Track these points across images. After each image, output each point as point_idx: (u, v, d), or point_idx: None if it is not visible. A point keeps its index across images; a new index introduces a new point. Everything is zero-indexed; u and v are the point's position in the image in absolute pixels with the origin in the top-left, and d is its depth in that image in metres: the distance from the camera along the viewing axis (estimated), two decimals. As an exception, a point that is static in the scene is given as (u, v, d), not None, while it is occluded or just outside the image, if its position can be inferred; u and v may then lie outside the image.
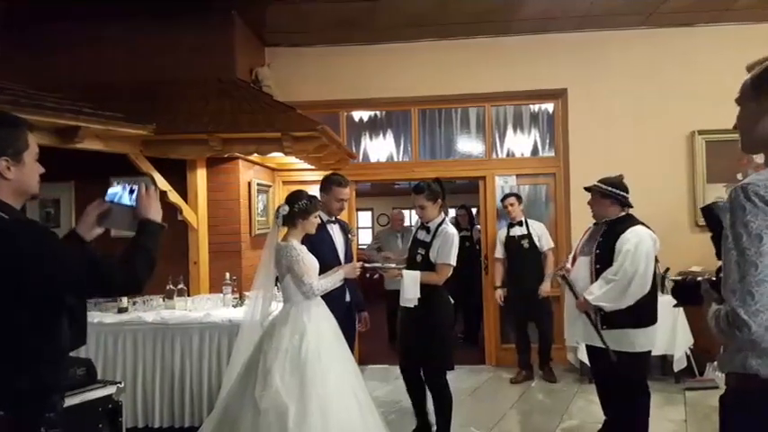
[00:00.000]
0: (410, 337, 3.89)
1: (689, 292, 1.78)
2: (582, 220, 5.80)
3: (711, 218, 1.64)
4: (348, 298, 4.09)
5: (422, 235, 3.96)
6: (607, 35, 6.02)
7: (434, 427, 4.02)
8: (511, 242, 5.80)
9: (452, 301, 4.01)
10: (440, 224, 3.90)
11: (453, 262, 3.83)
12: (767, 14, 5.72)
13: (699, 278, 1.74)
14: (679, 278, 1.87)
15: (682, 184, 5.96)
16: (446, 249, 3.80)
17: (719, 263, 1.53)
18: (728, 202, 1.46)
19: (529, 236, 5.74)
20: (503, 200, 5.93)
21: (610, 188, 3.64)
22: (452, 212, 8.50)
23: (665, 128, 5.91)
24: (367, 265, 3.93)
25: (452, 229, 3.91)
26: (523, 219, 5.83)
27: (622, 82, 5.98)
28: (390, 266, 3.85)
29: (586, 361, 5.34)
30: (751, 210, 1.40)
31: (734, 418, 1.55)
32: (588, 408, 4.89)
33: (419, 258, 3.88)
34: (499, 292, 5.88)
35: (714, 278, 1.61)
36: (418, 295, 3.71)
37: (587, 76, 6.05)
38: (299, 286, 3.38)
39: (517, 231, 5.79)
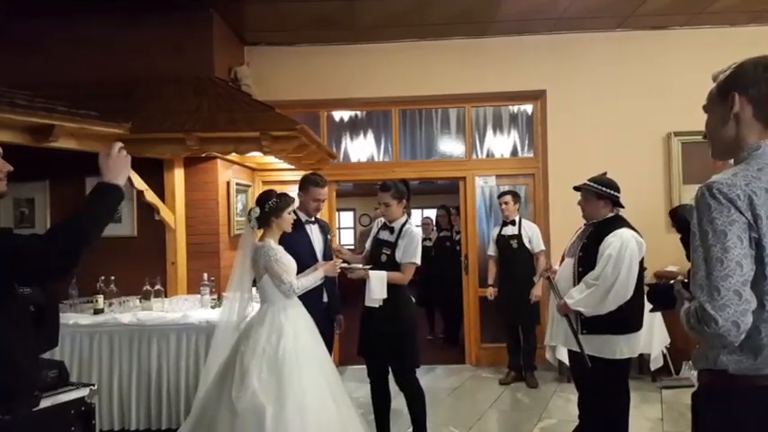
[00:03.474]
0: (377, 339, 3.83)
1: (663, 296, 1.79)
2: (561, 220, 5.88)
3: (679, 220, 1.67)
4: (325, 299, 4.06)
5: (385, 235, 3.94)
6: (585, 37, 6.08)
7: (410, 429, 4.01)
8: (501, 241, 5.70)
9: (414, 300, 4.00)
10: (403, 224, 3.89)
11: (418, 261, 3.86)
12: (740, 17, 5.83)
13: (671, 281, 1.75)
14: (653, 282, 1.88)
15: (658, 184, 6.04)
16: (411, 249, 3.81)
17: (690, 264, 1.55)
18: (695, 201, 1.49)
19: (519, 236, 5.64)
20: (499, 197, 5.79)
21: (605, 188, 3.51)
22: (432, 213, 8.55)
23: (642, 129, 5.99)
24: (345, 265, 3.88)
25: (416, 229, 3.91)
26: (517, 218, 5.71)
27: (600, 84, 6.05)
28: (357, 267, 3.80)
29: (565, 360, 5.40)
30: (716, 207, 1.42)
31: (706, 413, 1.57)
32: (566, 407, 4.93)
33: (384, 258, 3.85)
34: (491, 290, 5.75)
35: (686, 279, 1.63)
36: (385, 295, 3.71)
37: (566, 78, 6.10)
38: (278, 286, 3.35)
39: (508, 230, 5.69)
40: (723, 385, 1.50)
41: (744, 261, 1.40)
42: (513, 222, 5.71)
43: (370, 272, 3.72)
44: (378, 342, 3.84)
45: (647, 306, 1.96)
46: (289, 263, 3.42)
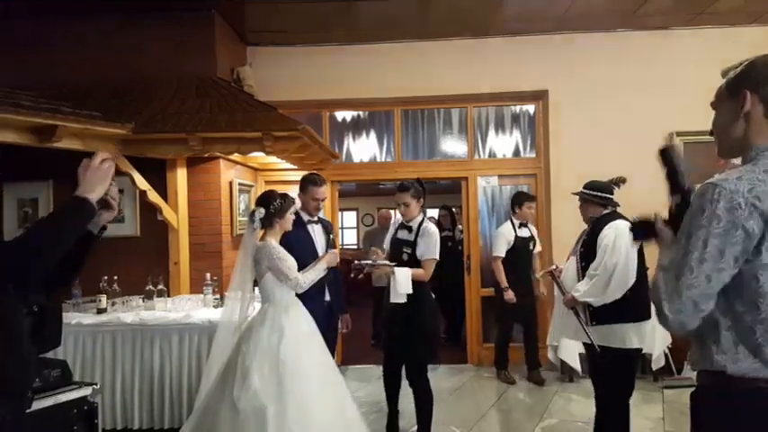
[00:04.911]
0: (399, 335, 3.94)
1: (646, 227, 1.81)
2: (563, 220, 5.88)
3: (666, 159, 1.73)
4: (327, 297, 4.06)
5: (404, 234, 4.05)
6: (587, 37, 6.08)
7: (415, 428, 4.03)
8: (518, 243, 5.74)
9: (434, 296, 4.12)
10: (421, 223, 4.01)
11: (438, 257, 3.97)
12: (741, 18, 5.82)
13: (654, 217, 1.77)
14: (636, 217, 1.89)
15: (660, 184, 5.96)
16: (431, 246, 3.94)
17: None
18: (696, 195, 1.48)
19: (533, 238, 5.79)
20: (527, 201, 5.76)
21: (589, 192, 3.71)
22: (435, 213, 8.56)
23: (644, 129, 5.96)
24: (363, 262, 4.00)
25: (433, 227, 4.02)
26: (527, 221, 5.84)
27: (602, 84, 6.04)
28: (383, 263, 3.89)
29: (567, 359, 5.43)
30: (709, 214, 1.42)
31: (704, 413, 1.57)
32: (568, 406, 4.94)
33: (405, 257, 3.96)
34: (511, 294, 5.67)
35: (667, 218, 1.72)
36: (410, 291, 3.80)
37: (567, 78, 6.10)
38: (285, 282, 3.39)
39: (525, 233, 5.76)
40: (721, 386, 1.49)
41: (714, 275, 1.42)
42: (525, 225, 5.79)
43: (396, 268, 3.82)
44: (399, 339, 3.95)
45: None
46: (291, 260, 3.45)
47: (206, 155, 4.89)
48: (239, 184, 5.53)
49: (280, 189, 3.85)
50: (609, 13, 5.68)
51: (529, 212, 5.75)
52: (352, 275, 10.76)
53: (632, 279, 3.46)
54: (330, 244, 4.25)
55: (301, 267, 3.56)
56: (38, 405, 2.78)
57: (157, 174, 5.00)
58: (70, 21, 5.12)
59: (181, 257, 5.10)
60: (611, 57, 6.05)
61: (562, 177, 5.99)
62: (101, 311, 4.40)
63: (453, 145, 6.65)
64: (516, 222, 5.75)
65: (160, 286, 4.63)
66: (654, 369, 5.44)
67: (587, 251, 3.65)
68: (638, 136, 5.97)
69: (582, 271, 3.65)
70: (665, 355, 5.43)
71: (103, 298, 4.46)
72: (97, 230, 1.95)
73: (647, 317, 3.54)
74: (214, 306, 4.55)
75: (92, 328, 4.25)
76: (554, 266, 4.02)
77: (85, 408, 3.06)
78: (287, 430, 3.00)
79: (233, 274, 3.68)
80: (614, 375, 3.54)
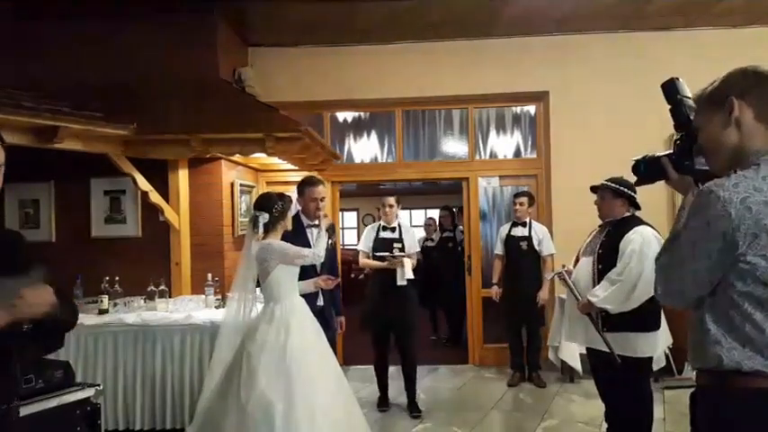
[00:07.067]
0: (399, 311, 4.76)
1: (650, 169, 1.82)
2: (564, 221, 5.89)
3: (670, 92, 1.74)
4: (321, 302, 3.98)
5: (388, 234, 4.96)
6: (588, 39, 6.08)
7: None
8: (510, 241, 5.69)
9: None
10: (399, 223, 5.02)
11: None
12: (742, 19, 5.83)
13: (657, 155, 1.80)
14: (637, 157, 1.87)
15: (661, 186, 5.98)
16: (414, 240, 5.08)
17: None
18: (697, 197, 1.50)
19: (529, 238, 5.62)
20: (515, 196, 5.79)
21: (623, 187, 3.51)
22: (436, 213, 8.56)
23: (644, 131, 5.94)
24: (385, 254, 4.78)
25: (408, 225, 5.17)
26: (528, 220, 5.70)
27: (603, 85, 6.04)
28: (400, 255, 4.78)
29: (567, 360, 5.42)
30: (701, 216, 1.45)
31: (703, 414, 1.57)
32: (569, 407, 4.95)
33: (397, 252, 4.83)
34: (496, 289, 5.74)
35: (674, 156, 1.75)
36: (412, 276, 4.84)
37: (569, 79, 6.10)
38: (304, 261, 3.48)
39: (518, 232, 5.68)
40: (721, 386, 1.50)
41: (700, 272, 1.48)
42: (523, 224, 5.70)
43: (405, 259, 4.77)
44: (392, 313, 4.74)
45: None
46: (295, 246, 3.48)
47: (207, 156, 4.90)
48: (240, 184, 5.53)
49: (281, 190, 3.84)
50: (610, 15, 5.68)
51: (519, 209, 5.67)
52: (352, 275, 10.77)
53: None
54: (331, 246, 4.23)
55: (300, 273, 3.55)
56: (41, 406, 2.79)
57: (159, 175, 5.01)
58: (71, 22, 5.10)
59: (182, 258, 5.11)
60: (613, 58, 6.06)
61: (563, 178, 5.99)
62: (102, 312, 4.40)
63: (454, 145, 6.66)
64: (517, 221, 5.73)
65: (162, 287, 4.62)
66: (655, 370, 5.43)
67: (606, 254, 3.48)
68: (639, 137, 5.95)
69: (598, 274, 3.49)
70: (666, 356, 5.42)
71: (105, 299, 4.46)
72: None
73: (658, 327, 3.47)
74: (216, 307, 4.56)
75: (94, 329, 4.25)
76: (563, 267, 3.84)
77: (89, 409, 3.07)
78: (295, 428, 3.00)
79: (235, 274, 3.68)
80: (629, 383, 3.43)
